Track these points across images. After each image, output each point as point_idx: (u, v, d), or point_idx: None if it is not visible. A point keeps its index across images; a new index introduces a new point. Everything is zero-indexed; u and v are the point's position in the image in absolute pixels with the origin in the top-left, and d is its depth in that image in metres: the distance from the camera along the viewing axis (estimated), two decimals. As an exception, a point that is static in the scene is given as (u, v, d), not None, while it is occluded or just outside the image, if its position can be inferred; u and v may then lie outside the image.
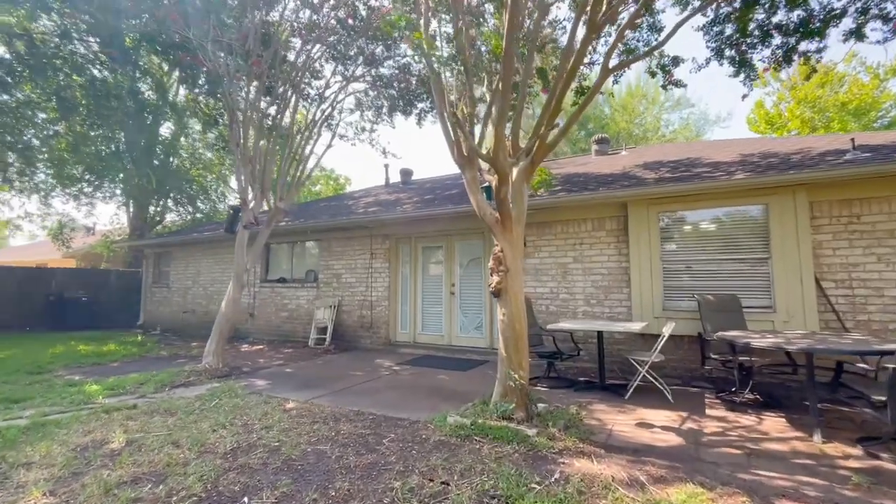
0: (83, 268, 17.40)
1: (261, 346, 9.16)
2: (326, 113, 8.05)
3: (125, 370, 6.55)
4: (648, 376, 4.95)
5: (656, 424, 3.94)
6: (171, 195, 17.44)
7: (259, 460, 3.16)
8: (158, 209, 17.46)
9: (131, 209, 16.46)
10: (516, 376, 3.75)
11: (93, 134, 13.04)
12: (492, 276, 3.94)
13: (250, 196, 6.85)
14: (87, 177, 14.67)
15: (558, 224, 7.02)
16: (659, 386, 4.98)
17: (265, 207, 7.20)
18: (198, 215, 18.31)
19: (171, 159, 16.95)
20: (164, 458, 3.16)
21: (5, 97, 10.77)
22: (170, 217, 18.66)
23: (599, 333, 5.25)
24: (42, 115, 11.81)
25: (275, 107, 7.82)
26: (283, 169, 7.39)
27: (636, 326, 5.25)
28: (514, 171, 4.08)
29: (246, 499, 2.60)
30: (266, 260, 10.89)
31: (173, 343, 9.78)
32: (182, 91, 15.42)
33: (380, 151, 12.26)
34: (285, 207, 7.20)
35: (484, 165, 4.44)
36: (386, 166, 15.28)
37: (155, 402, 4.71)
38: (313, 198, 22.79)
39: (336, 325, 9.13)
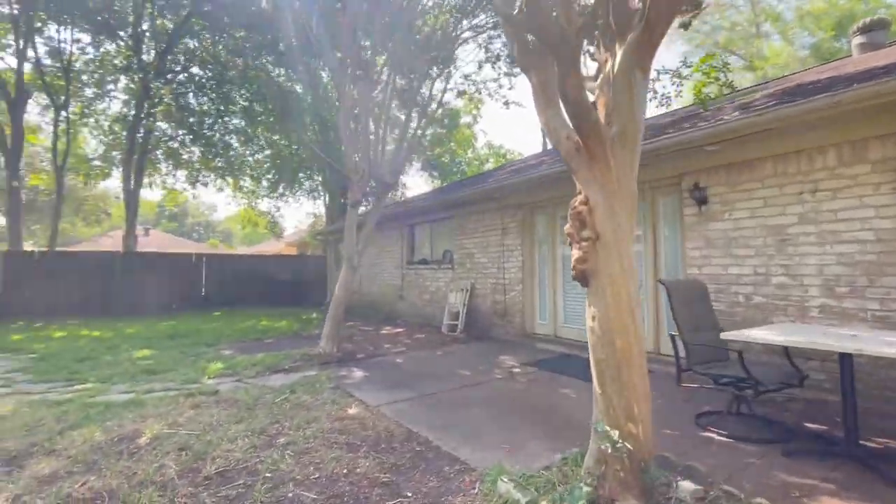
0: (288, 254, 20.91)
1: (400, 330, 8.92)
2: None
3: (268, 348, 6.97)
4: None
5: None
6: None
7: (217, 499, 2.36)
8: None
9: (327, 201, 18.94)
10: (616, 436, 1.98)
11: (280, 140, 15.23)
12: (571, 248, 2.22)
13: (356, 173, 6.37)
14: (297, 177, 17.50)
15: (767, 162, 4.35)
16: None
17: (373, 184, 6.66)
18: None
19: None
20: (150, 470, 2.67)
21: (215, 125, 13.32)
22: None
23: (844, 357, 2.74)
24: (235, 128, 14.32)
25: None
26: (380, 136, 6.67)
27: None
28: (618, 53, 2.20)
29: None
30: (411, 240, 10.70)
31: (335, 322, 10.44)
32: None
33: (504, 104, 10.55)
34: (391, 181, 6.50)
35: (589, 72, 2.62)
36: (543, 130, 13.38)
37: (241, 388, 4.57)
38: (473, 172, 22.31)
39: (470, 311, 8.17)
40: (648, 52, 2.13)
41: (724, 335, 3.06)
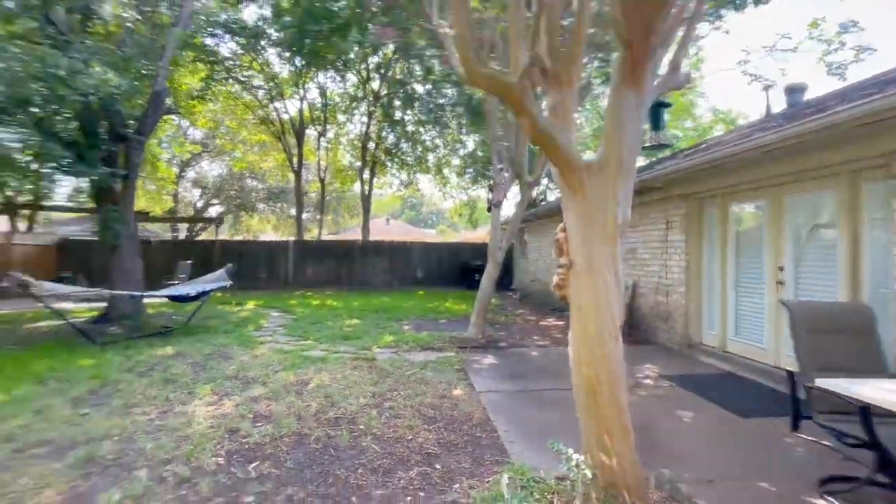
0: (484, 242, 22.46)
1: (562, 323, 9.00)
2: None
3: (436, 327, 8.25)
4: None
5: None
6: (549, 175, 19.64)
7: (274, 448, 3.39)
8: (541, 188, 20.07)
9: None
10: (581, 460, 2.02)
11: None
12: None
13: (500, 174, 6.83)
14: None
15: None
16: None
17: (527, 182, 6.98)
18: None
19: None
20: (301, 406, 3.95)
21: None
22: (553, 195, 21.04)
23: None
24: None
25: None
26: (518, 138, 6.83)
27: None
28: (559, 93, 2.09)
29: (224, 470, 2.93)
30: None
31: (507, 309, 11.20)
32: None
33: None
34: (533, 180, 6.68)
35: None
36: (766, 89, 10.64)
37: (391, 359, 5.76)
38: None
39: (633, 311, 7.62)
40: (637, 70, 1.96)
41: (822, 383, 2.38)
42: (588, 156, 2.35)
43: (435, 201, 64.23)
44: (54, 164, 6.64)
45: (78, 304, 10.59)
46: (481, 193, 21.25)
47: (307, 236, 19.73)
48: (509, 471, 2.77)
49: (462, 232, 38.55)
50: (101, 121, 7.81)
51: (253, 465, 2.96)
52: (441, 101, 14.89)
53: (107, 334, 7.08)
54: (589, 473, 1.99)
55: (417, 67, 15.41)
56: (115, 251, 8.38)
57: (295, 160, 18.58)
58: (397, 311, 10.08)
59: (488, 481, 2.73)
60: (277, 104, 18.14)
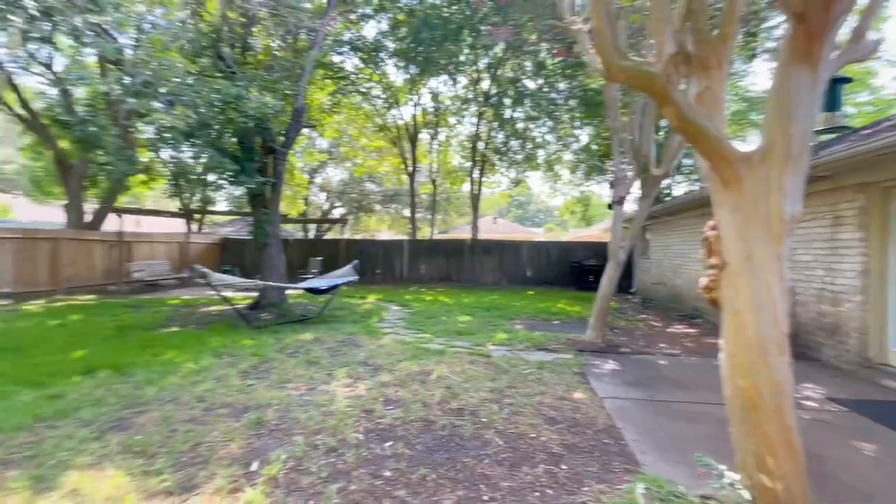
0: (600, 241, 21.06)
1: (693, 331, 8.16)
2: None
3: (550, 328, 8.08)
4: None
5: None
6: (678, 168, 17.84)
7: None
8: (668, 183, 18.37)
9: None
10: (736, 480, 1.83)
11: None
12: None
13: (623, 168, 6.43)
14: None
15: None
16: None
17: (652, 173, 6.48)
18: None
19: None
20: (426, 394, 4.19)
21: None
22: (678, 190, 19.09)
23: None
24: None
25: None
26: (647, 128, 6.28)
27: None
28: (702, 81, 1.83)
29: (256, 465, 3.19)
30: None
31: (626, 313, 10.49)
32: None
33: None
34: (662, 174, 6.15)
35: None
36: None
37: (506, 356, 5.79)
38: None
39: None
40: (813, 45, 1.68)
41: None
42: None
43: (543, 199, 62.76)
44: (225, 176, 7.95)
45: (236, 293, 12.55)
46: (595, 189, 20.26)
47: (418, 235, 20.74)
48: (643, 481, 2.61)
49: (572, 231, 37.05)
50: (255, 137, 9.15)
51: (388, 444, 3.22)
52: (553, 95, 14.51)
53: (259, 319, 8.28)
54: (747, 495, 1.78)
55: (528, 63, 15.24)
56: (265, 248, 9.74)
57: (409, 163, 19.67)
58: (508, 310, 10.08)
59: (620, 489, 2.60)
60: (394, 111, 19.37)
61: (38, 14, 6.11)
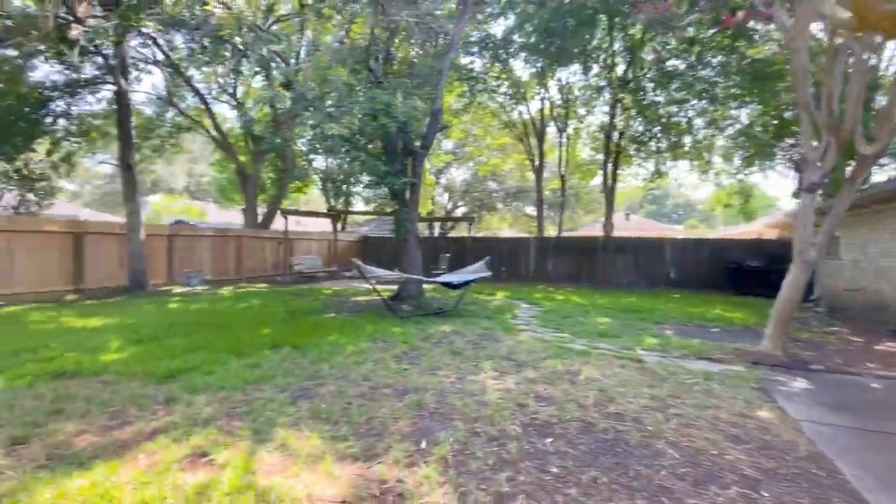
0: (763, 239, 17.96)
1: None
2: None
3: (707, 336, 7.15)
4: None
5: None
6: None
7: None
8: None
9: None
10: None
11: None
12: None
13: (815, 148, 5.35)
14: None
15: None
16: None
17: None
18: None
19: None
20: (579, 395, 4.01)
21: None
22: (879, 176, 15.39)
23: None
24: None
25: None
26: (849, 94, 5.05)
27: None
28: None
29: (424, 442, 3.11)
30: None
31: (809, 324, 8.74)
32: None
33: None
34: (876, 152, 4.95)
35: None
36: None
37: (661, 363, 5.26)
38: None
39: None
40: None
41: None
42: None
43: (684, 193, 56.45)
44: (374, 178, 8.71)
45: (377, 285, 13.71)
46: (757, 180, 17.42)
47: (544, 233, 20.24)
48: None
49: (720, 228, 32.51)
50: (397, 141, 9.85)
51: (549, 440, 3.14)
52: (705, 73, 12.83)
53: (402, 310, 8.88)
54: None
55: (672, 42, 13.74)
56: (405, 244, 10.44)
57: (535, 159, 19.31)
58: (651, 314, 9.21)
59: (852, 534, 2.13)
60: (520, 107, 19.20)
61: (241, 49, 7.48)
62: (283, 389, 4.06)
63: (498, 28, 16.80)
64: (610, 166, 16.92)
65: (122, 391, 3.89)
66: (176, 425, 3.22)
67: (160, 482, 2.46)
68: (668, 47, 14.19)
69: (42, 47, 10.99)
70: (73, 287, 10.98)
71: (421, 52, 11.17)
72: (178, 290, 12.49)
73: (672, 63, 13.92)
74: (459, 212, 32.06)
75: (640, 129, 16.43)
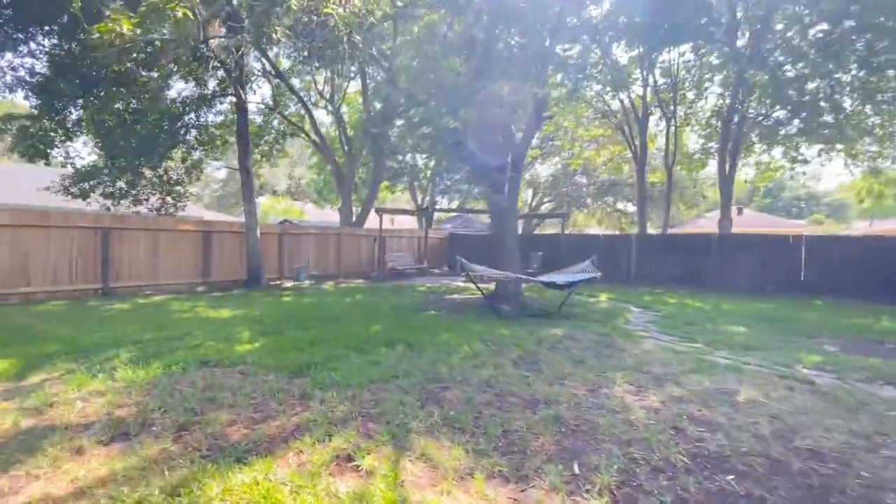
0: None
1: None
2: None
3: (888, 353, 5.90)
4: None
5: None
6: None
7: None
8: None
9: None
10: None
11: None
12: None
13: None
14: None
15: None
16: None
17: None
18: None
19: None
20: (747, 422, 3.37)
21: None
22: None
23: None
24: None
25: None
26: None
27: None
28: None
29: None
30: None
31: None
32: None
33: None
34: None
35: None
36: None
37: (842, 387, 4.34)
38: None
39: None
40: None
41: None
42: None
43: (805, 183, 49.50)
44: (472, 172, 8.48)
45: (467, 283, 13.54)
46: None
47: (638, 230, 18.67)
48: None
49: (853, 223, 27.69)
50: (498, 133, 9.52)
51: (730, 478, 2.61)
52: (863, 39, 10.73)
53: (502, 310, 8.56)
54: None
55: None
56: (501, 242, 10.09)
57: (637, 150, 17.85)
58: (797, 323, 7.89)
59: None
60: (621, 94, 17.85)
61: (353, 48, 7.72)
62: (408, 391, 3.94)
63: (596, 11, 15.73)
64: (727, 155, 15.03)
65: (261, 384, 4.04)
66: (315, 423, 3.21)
67: (314, 487, 2.39)
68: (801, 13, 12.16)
69: (175, 67, 12.40)
70: (203, 280, 12.26)
71: (521, 40, 10.70)
72: (287, 283, 13.42)
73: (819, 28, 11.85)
74: (544, 208, 30.96)
75: (765, 111, 14.36)
